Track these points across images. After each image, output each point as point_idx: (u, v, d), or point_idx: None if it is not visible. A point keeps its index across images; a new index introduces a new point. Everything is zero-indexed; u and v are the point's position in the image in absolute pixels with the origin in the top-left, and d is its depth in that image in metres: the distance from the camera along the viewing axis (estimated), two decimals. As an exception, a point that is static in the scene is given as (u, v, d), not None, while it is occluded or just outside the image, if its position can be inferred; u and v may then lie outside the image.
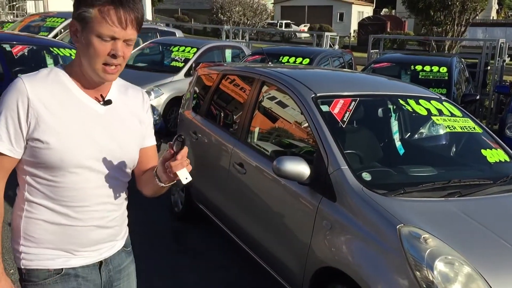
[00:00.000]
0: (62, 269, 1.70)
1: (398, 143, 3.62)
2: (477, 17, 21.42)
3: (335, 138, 3.06)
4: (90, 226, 1.70)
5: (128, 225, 1.92)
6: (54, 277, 1.69)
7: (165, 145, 6.87)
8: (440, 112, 3.61)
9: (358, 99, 3.48)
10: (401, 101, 3.62)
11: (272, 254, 3.35)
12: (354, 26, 46.65)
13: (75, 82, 1.67)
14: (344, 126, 3.25)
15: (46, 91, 1.62)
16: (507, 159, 3.46)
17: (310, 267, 2.91)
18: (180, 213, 4.96)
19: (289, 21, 44.73)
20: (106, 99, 1.72)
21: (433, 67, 8.02)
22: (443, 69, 7.95)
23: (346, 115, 3.30)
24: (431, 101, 3.69)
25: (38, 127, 1.59)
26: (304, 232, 2.99)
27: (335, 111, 3.31)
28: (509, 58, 11.27)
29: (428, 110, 3.58)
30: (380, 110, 3.75)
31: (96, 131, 1.67)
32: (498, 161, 3.40)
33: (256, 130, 3.84)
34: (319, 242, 2.86)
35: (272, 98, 3.85)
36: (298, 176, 2.98)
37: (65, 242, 1.69)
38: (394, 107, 3.68)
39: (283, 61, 8.16)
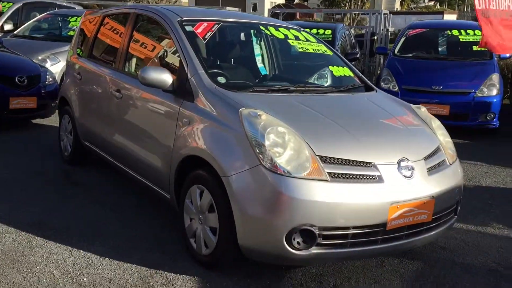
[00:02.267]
0: None
1: (260, 64, 4.05)
2: (381, 8, 22.95)
3: (194, 49, 3.42)
4: None
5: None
6: None
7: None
8: (297, 38, 4.08)
9: (221, 23, 3.86)
10: (261, 27, 4.05)
11: (145, 163, 3.64)
12: (267, 16, 47.68)
13: None
14: (205, 42, 3.62)
15: None
16: (351, 74, 4.00)
17: (174, 162, 3.24)
18: (70, 157, 5.08)
19: (202, 11, 44.76)
20: None
21: (319, 30, 8.67)
22: (328, 32, 8.64)
23: (208, 34, 3.67)
24: (290, 30, 4.16)
25: None
26: (169, 134, 3.32)
27: (198, 30, 3.66)
28: (392, 29, 12.34)
29: (285, 35, 4.04)
30: (242, 34, 4.17)
31: None
32: (342, 75, 3.93)
33: (131, 57, 4.10)
34: (180, 138, 3.20)
35: (145, 27, 4.13)
36: (161, 83, 3.30)
37: None
38: (255, 31, 4.11)
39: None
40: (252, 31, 4.09)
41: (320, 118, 3.04)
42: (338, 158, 2.74)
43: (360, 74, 4.05)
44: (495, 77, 7.25)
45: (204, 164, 3.00)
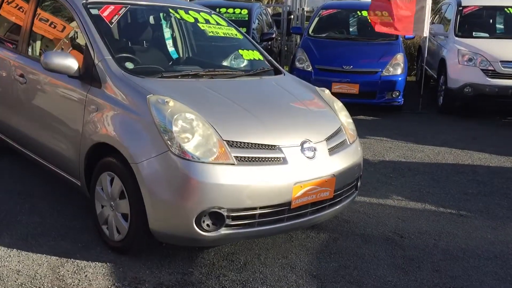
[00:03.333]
0: None
1: (171, 48, 4.05)
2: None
3: (100, 33, 3.36)
4: None
5: None
6: None
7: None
8: (207, 21, 4.11)
9: (130, 6, 3.80)
10: (171, 11, 4.04)
11: (54, 151, 3.55)
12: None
13: None
14: (111, 26, 3.56)
15: None
16: (261, 58, 4.11)
17: (83, 149, 3.20)
18: (-27, 144, 4.82)
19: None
20: None
21: (235, 10, 8.72)
22: (244, 11, 8.70)
23: (115, 17, 3.60)
24: (200, 13, 4.17)
25: None
26: (77, 120, 3.27)
27: (104, 14, 3.58)
28: (308, 8, 12.65)
29: (196, 19, 4.06)
30: (151, 18, 4.13)
31: None
32: (252, 58, 4.04)
33: (35, 40, 3.95)
34: (89, 125, 3.16)
35: (48, 9, 3.97)
36: (66, 68, 3.22)
37: None
38: (165, 15, 4.09)
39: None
40: (161, 14, 4.07)
41: (227, 103, 3.13)
42: (244, 142, 2.85)
43: (270, 58, 4.17)
44: (400, 57, 7.71)
45: (114, 151, 3.00)
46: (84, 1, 3.61)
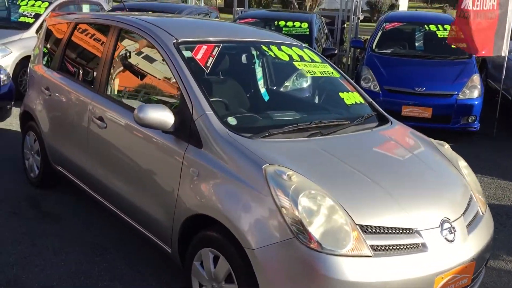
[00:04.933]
0: None
1: (262, 89, 3.62)
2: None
3: (199, 84, 2.95)
4: None
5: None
6: None
7: (16, 108, 6.18)
8: (301, 58, 3.67)
9: (222, 44, 3.38)
10: (264, 47, 3.60)
11: (139, 209, 3.18)
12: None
13: None
14: (208, 72, 3.15)
15: None
16: (362, 101, 3.65)
17: (179, 217, 2.81)
18: (36, 179, 4.52)
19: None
20: None
21: (295, 23, 8.24)
22: (304, 25, 8.22)
23: (210, 60, 3.19)
24: (293, 48, 3.73)
25: None
26: (171, 182, 2.88)
27: (198, 56, 3.18)
28: (362, 16, 12.08)
29: (290, 56, 3.62)
30: (244, 56, 3.71)
31: None
32: (354, 103, 3.58)
33: (116, 80, 3.57)
34: (187, 190, 2.77)
35: (131, 46, 3.59)
36: (161, 124, 2.83)
37: None
38: (258, 53, 3.66)
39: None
40: (255, 53, 3.64)
41: (351, 172, 2.67)
42: (379, 227, 2.40)
43: (370, 100, 3.71)
44: (476, 78, 7.12)
45: (215, 223, 2.60)
46: (175, 41, 3.21)
